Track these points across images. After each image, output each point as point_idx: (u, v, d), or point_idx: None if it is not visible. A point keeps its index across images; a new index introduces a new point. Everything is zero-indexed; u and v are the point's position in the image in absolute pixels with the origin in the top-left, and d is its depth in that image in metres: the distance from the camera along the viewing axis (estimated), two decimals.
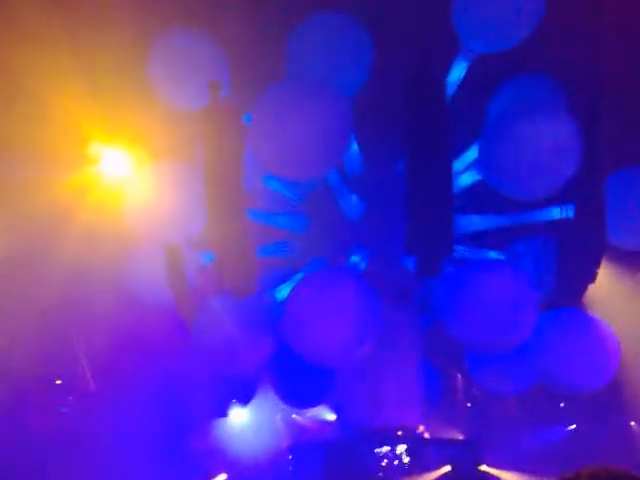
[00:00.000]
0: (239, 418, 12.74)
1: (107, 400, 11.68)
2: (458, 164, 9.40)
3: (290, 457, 10.95)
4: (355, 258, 10.19)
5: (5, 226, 10.78)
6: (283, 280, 10.55)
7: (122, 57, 9.12)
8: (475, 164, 9.36)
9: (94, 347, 11.63)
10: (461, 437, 10.34)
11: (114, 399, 11.56)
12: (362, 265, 10.12)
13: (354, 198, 10.10)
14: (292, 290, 9.42)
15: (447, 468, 7.91)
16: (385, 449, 9.13)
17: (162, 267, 10.69)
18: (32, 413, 11.85)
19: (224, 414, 11.65)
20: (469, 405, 10.88)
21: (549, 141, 8.34)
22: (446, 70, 9.04)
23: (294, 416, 12.21)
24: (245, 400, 11.24)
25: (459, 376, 10.78)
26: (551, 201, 9.17)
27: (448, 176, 8.64)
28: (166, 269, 10.71)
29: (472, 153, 9.41)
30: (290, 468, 10.72)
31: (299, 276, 10.09)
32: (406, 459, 8.76)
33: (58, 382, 12.32)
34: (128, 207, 10.15)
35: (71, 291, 11.04)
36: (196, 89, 9.34)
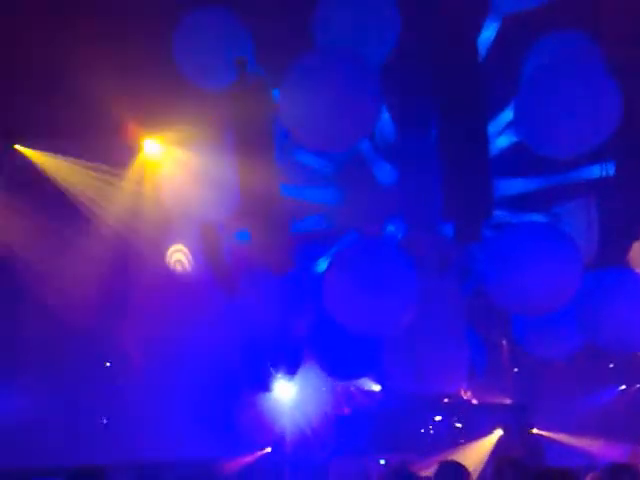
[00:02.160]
0: (284, 392, 12.83)
1: (152, 376, 11.85)
2: (493, 126, 9.19)
3: (337, 428, 11.01)
4: (391, 228, 10.08)
5: None
6: (320, 254, 10.51)
7: (148, 38, 9.09)
8: (511, 125, 9.15)
9: (138, 322, 11.78)
10: (509, 402, 10.28)
11: (159, 375, 11.72)
12: (399, 235, 10.01)
13: (387, 167, 9.97)
14: (330, 263, 9.37)
15: (499, 432, 7.86)
16: (434, 417, 9.11)
17: (199, 246, 10.78)
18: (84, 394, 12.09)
19: (268, 388, 11.72)
20: (516, 370, 10.79)
21: (587, 97, 8.10)
22: (477, 31, 8.79)
23: (339, 388, 12.25)
24: (289, 374, 11.30)
25: (504, 342, 10.68)
26: (591, 159, 8.95)
27: (484, 139, 8.46)
28: (203, 248, 10.78)
29: (508, 114, 9.19)
30: (337, 439, 10.78)
31: (336, 249, 10.04)
32: (456, 426, 8.73)
33: (107, 364, 12.56)
34: (163, 189, 10.18)
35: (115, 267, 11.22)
36: (222, 67, 9.27)
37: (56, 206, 11.41)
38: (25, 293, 11.56)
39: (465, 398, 9.45)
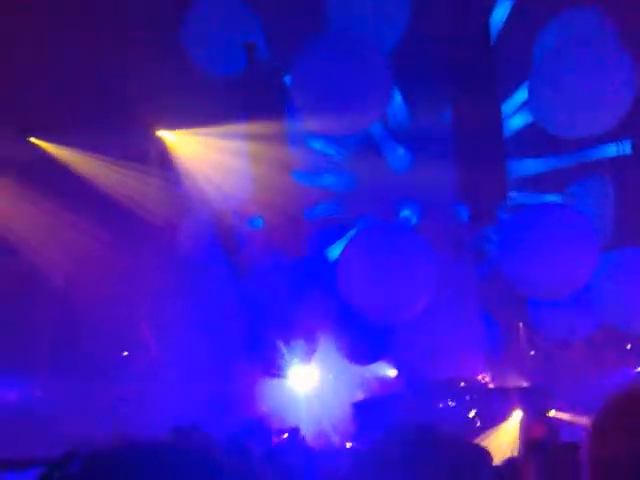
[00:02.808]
0: (299, 378, 12.82)
1: (167, 363, 11.89)
2: (507, 107, 9.10)
3: (352, 414, 10.99)
4: (406, 212, 10.04)
5: None
6: (333, 240, 10.49)
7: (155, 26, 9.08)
8: (525, 105, 9.05)
9: (150, 310, 11.84)
10: (527, 385, 10.23)
11: (172, 361, 11.76)
12: (413, 219, 9.97)
13: (400, 151, 9.91)
14: (344, 248, 9.35)
15: (518, 415, 7.82)
16: (450, 402, 9.10)
17: (213, 232, 10.81)
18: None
19: (283, 375, 11.72)
20: (533, 353, 10.73)
21: (602, 76, 8.00)
22: (489, 11, 8.70)
23: (355, 373, 12.23)
24: (304, 360, 11.29)
25: (521, 324, 10.62)
26: (606, 138, 8.83)
27: (497, 120, 8.42)
28: (217, 234, 10.80)
29: (521, 95, 9.09)
30: (352, 425, 10.77)
31: (350, 234, 10.01)
32: (472, 410, 8.71)
33: (125, 353, 12.62)
34: (178, 177, 10.22)
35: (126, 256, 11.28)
36: (232, 53, 9.25)
37: (71, 197, 11.47)
38: (39, 282, 11.67)
39: (482, 382, 9.43)
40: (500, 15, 8.93)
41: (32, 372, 12.05)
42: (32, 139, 11.34)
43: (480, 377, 9.44)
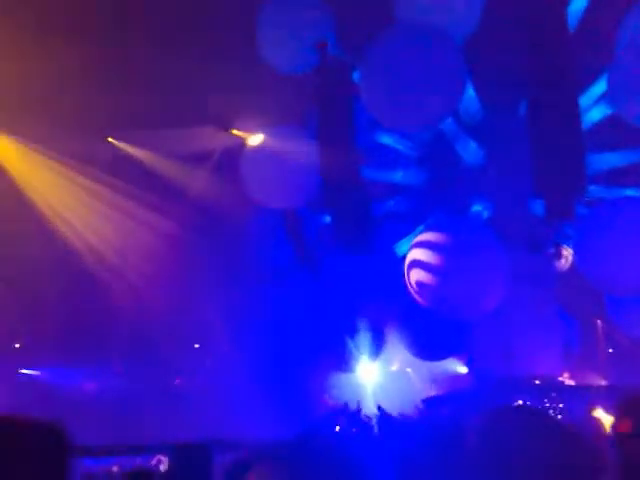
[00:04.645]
0: (367, 373, 12.79)
1: (238, 358, 12.01)
2: (585, 99, 8.86)
3: (422, 410, 10.90)
4: (477, 207, 9.89)
5: None
6: (403, 235, 10.41)
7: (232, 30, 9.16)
8: (604, 97, 8.80)
9: (222, 306, 11.98)
10: (604, 383, 9.98)
11: (244, 356, 11.88)
12: (485, 214, 9.81)
13: (473, 145, 9.76)
14: (414, 244, 9.27)
15: (597, 412, 7.63)
16: (521, 400, 8.92)
17: (282, 230, 10.86)
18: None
19: (350, 369, 11.72)
20: (611, 350, 10.46)
21: None
22: (566, 2, 8.47)
23: (425, 370, 12.14)
24: (373, 355, 11.27)
25: (599, 322, 10.36)
26: None
27: (575, 113, 8.18)
28: (286, 232, 10.85)
29: (600, 86, 8.85)
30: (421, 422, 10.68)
31: (420, 230, 9.90)
32: (548, 408, 8.52)
33: (196, 346, 12.84)
34: (245, 172, 10.27)
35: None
36: (304, 51, 9.25)
37: (147, 196, 11.70)
38: (116, 280, 11.94)
39: (561, 380, 9.23)
40: (578, 5, 8.70)
41: (110, 364, 12.38)
42: (110, 139, 11.61)
43: (558, 374, 9.23)
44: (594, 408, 8.44)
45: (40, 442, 2.08)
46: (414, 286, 9.08)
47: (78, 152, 11.27)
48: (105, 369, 12.68)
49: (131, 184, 11.68)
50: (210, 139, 11.57)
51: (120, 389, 12.48)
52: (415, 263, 9.08)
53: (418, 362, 11.46)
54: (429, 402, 10.86)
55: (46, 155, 11.52)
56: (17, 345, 12.91)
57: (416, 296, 9.13)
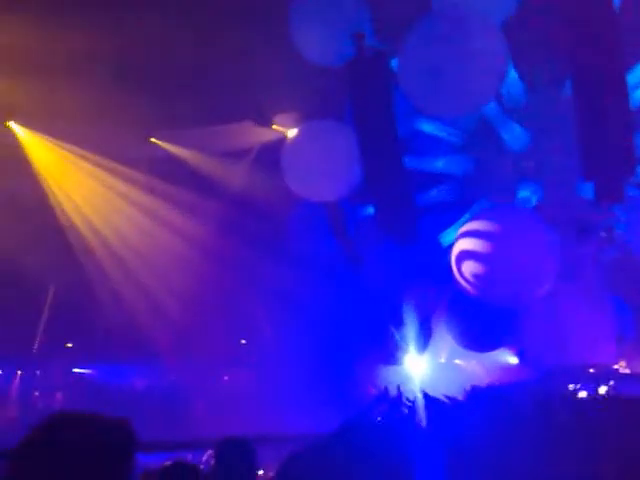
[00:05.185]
0: (415, 365, 12.66)
1: (283, 352, 12.04)
2: (632, 77, 8.55)
3: (471, 404, 10.73)
4: (524, 193, 9.64)
5: None
6: (448, 225, 10.23)
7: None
8: None
9: (265, 301, 12.01)
10: None
11: (289, 350, 11.89)
12: (533, 199, 9.56)
13: (517, 129, 9.52)
14: (461, 233, 9.09)
15: None
16: (579, 390, 8.69)
17: (325, 221, 10.79)
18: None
19: (397, 362, 11.60)
20: None
21: None
22: None
23: (474, 361, 11.96)
24: (421, 347, 11.12)
25: None
26: None
27: (623, 91, 7.88)
28: (329, 223, 10.77)
29: None
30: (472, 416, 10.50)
31: (465, 219, 9.72)
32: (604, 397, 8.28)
33: (243, 341, 12.93)
34: (286, 166, 10.23)
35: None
36: (340, 41, 9.14)
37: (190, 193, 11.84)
38: (161, 277, 12.09)
39: (614, 368, 8.96)
40: None
41: (158, 362, 12.54)
42: (152, 139, 11.73)
43: (614, 363, 8.96)
44: None
45: (110, 439, 2.13)
46: (463, 276, 8.92)
47: (116, 152, 11.42)
48: (154, 367, 12.84)
49: (172, 184, 11.80)
50: (249, 135, 11.58)
51: (170, 386, 12.64)
52: (463, 253, 8.92)
53: (467, 354, 11.30)
54: (480, 393, 10.69)
55: (83, 157, 11.70)
56: (69, 345, 13.17)
57: (465, 285, 8.97)
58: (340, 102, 10.16)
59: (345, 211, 10.80)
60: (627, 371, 9.13)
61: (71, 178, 11.81)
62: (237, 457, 4.53)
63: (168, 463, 4.65)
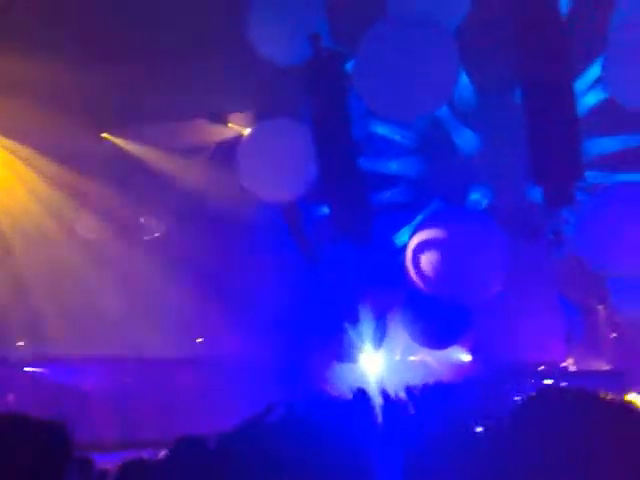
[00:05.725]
0: (370, 362, 12.81)
1: (239, 352, 12.06)
2: (579, 84, 8.79)
3: (427, 399, 10.93)
4: (475, 195, 9.85)
5: None
6: (402, 225, 10.39)
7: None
8: (599, 81, 8.73)
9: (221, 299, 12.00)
10: (607, 368, 10.00)
11: (242, 349, 11.92)
12: (484, 202, 9.77)
13: (468, 133, 9.70)
14: (415, 233, 9.27)
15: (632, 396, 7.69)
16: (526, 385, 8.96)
17: (281, 221, 10.84)
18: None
19: (353, 359, 11.73)
20: (614, 336, 10.47)
21: None
22: None
23: (428, 358, 12.16)
24: (376, 344, 11.27)
25: (601, 307, 10.35)
26: None
27: (570, 97, 8.11)
28: (285, 223, 10.82)
29: (595, 70, 8.77)
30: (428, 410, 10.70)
31: (418, 219, 9.89)
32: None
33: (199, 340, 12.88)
34: (241, 165, 10.23)
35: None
36: (297, 42, 9.18)
37: (141, 192, 11.70)
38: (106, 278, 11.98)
39: (562, 366, 9.25)
40: None
41: (112, 362, 12.42)
42: (104, 135, 11.57)
43: (562, 360, 9.25)
44: (628, 392, 8.49)
45: (41, 441, 2.11)
46: (416, 274, 9.10)
47: (66, 148, 11.23)
48: (108, 367, 12.72)
49: (124, 180, 11.65)
50: (204, 133, 11.52)
51: (124, 386, 12.55)
52: (417, 252, 9.10)
53: (422, 351, 11.49)
54: (433, 390, 10.90)
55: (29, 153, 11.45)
56: (20, 343, 12.96)
57: (418, 282, 9.15)
58: (297, 102, 10.20)
59: (301, 210, 10.85)
60: (574, 368, 9.43)
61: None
62: (191, 456, 4.57)
63: (123, 462, 4.67)
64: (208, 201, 11.33)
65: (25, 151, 11.60)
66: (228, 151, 10.99)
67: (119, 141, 11.78)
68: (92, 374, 12.79)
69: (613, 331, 10.33)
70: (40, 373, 13.14)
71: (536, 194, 8.76)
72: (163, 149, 11.97)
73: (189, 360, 12.73)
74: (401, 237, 10.29)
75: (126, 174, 11.57)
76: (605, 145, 9.12)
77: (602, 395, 1.99)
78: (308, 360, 11.77)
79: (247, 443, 2.36)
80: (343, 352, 11.14)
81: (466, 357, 11.11)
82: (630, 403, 1.99)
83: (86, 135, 11.13)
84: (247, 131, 10.94)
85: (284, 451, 2.16)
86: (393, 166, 10.24)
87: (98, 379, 12.81)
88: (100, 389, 12.59)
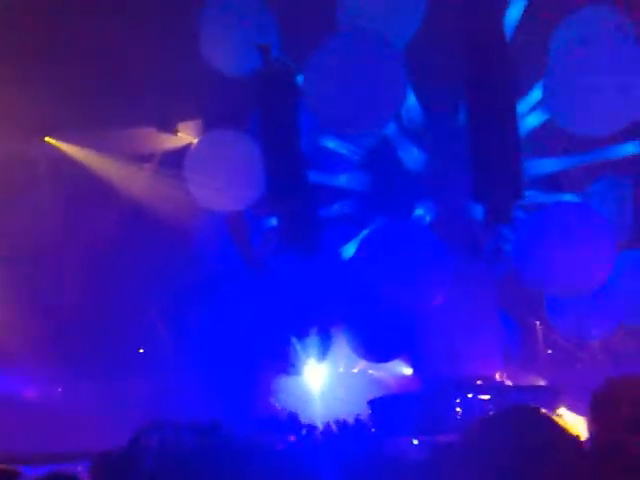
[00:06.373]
0: (314, 376, 12.83)
1: (182, 363, 11.96)
2: (522, 106, 9.04)
3: (369, 411, 10.99)
4: (419, 211, 10.00)
5: None
6: (348, 238, 10.47)
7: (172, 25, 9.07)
8: (540, 104, 8.99)
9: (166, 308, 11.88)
10: (542, 383, 10.21)
11: (188, 358, 11.83)
12: (427, 218, 9.93)
13: (414, 150, 9.86)
14: (359, 247, 9.37)
15: (562, 411, 7.88)
16: (463, 399, 9.09)
17: (227, 231, 10.81)
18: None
19: (297, 372, 11.73)
20: (550, 352, 10.70)
21: (618, 73, 7.93)
22: (503, 9, 8.62)
23: (370, 371, 12.25)
24: (320, 357, 11.29)
25: (538, 323, 10.58)
26: (625, 136, 8.75)
27: (513, 119, 8.34)
28: (231, 233, 10.80)
29: (536, 93, 9.03)
30: (369, 423, 10.76)
31: (364, 233, 9.99)
32: (487, 407, 8.70)
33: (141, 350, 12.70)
34: (188, 176, 10.20)
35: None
36: (247, 53, 9.22)
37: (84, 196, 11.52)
38: (58, 280, 11.73)
39: (499, 380, 9.42)
40: (515, 14, 8.86)
41: (53, 368, 12.15)
42: (47, 139, 11.40)
43: (498, 375, 9.41)
44: (559, 407, 8.69)
45: None
46: (361, 285, 9.20)
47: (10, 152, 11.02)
48: (42, 375, 12.44)
49: (69, 185, 11.49)
50: (152, 141, 11.44)
51: (59, 395, 12.30)
52: (360, 264, 9.20)
53: (365, 364, 11.57)
54: (375, 404, 10.96)
55: None
56: None
57: (361, 295, 9.25)
58: (247, 113, 10.22)
59: (248, 221, 10.84)
60: (509, 383, 9.61)
61: None
62: (113, 470, 4.52)
63: (46, 474, 4.57)
64: (152, 209, 11.24)
65: None
66: (176, 159, 10.95)
67: (63, 145, 11.62)
68: (28, 383, 12.51)
69: (548, 347, 10.57)
70: None
71: (478, 211, 8.94)
72: (109, 155, 11.84)
73: (133, 370, 12.58)
74: (348, 250, 10.37)
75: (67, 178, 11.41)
76: (545, 165, 9.39)
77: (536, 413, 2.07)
78: (252, 372, 11.73)
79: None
80: (287, 364, 11.14)
81: (407, 370, 11.24)
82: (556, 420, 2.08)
83: (28, 139, 10.96)
84: (196, 140, 10.93)
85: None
86: (341, 180, 10.33)
87: (34, 388, 12.54)
88: (36, 398, 12.34)
